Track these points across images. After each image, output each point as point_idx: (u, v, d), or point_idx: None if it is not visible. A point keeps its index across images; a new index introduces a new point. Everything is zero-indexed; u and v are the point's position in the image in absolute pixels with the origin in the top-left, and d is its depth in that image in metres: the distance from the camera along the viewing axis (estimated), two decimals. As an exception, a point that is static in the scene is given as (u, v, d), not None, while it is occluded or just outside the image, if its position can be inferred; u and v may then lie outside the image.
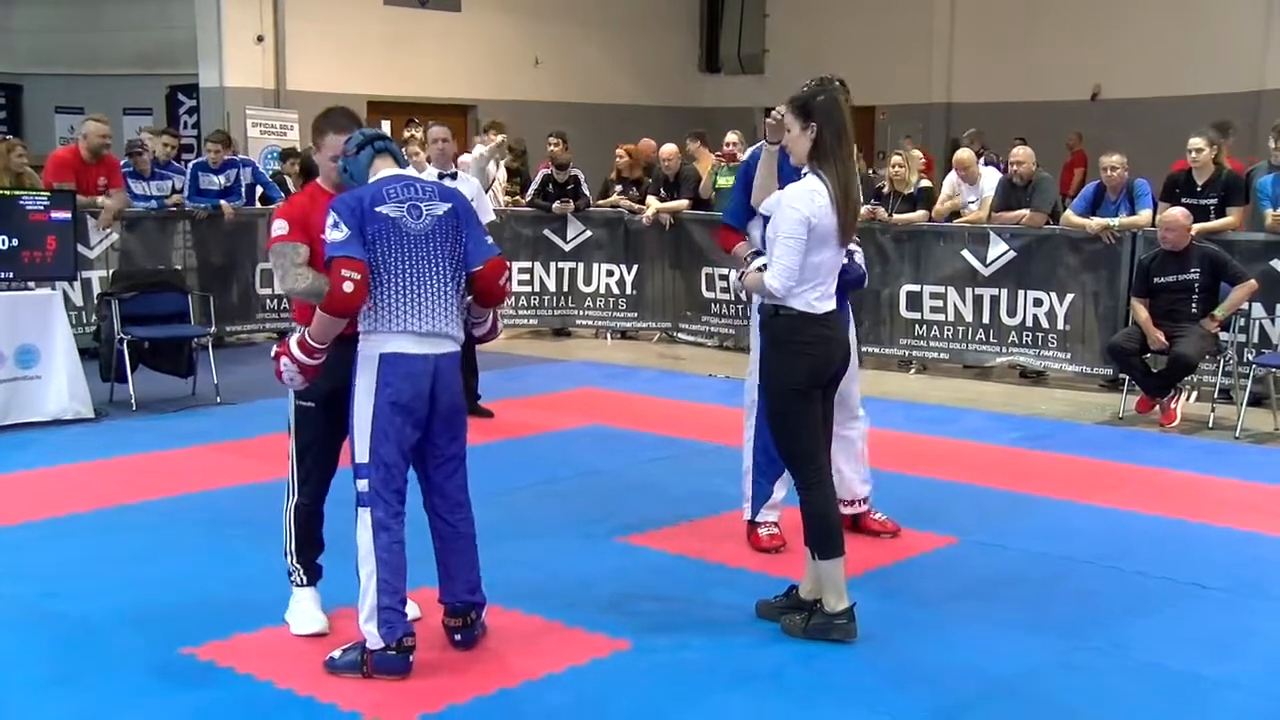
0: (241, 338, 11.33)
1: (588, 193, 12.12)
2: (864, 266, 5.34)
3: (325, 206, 4.16)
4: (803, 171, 4.49)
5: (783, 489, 5.40)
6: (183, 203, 10.94)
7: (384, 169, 4.20)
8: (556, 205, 11.81)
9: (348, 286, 3.95)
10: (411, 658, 4.10)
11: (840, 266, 4.58)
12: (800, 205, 4.35)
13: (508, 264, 4.31)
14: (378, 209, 4.05)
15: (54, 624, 4.62)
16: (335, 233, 4.00)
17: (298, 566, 4.51)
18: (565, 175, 11.95)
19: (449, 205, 4.16)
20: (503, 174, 12.94)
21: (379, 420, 4.08)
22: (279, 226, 4.29)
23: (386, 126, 12.83)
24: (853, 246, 5.03)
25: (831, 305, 4.50)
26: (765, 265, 4.47)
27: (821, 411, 4.53)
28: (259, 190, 11.72)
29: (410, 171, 4.22)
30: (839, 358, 4.56)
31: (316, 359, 4.14)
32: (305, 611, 4.49)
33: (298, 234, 4.24)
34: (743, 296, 10.17)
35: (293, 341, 4.17)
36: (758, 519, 5.51)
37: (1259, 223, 8.89)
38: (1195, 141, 8.99)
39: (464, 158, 12.00)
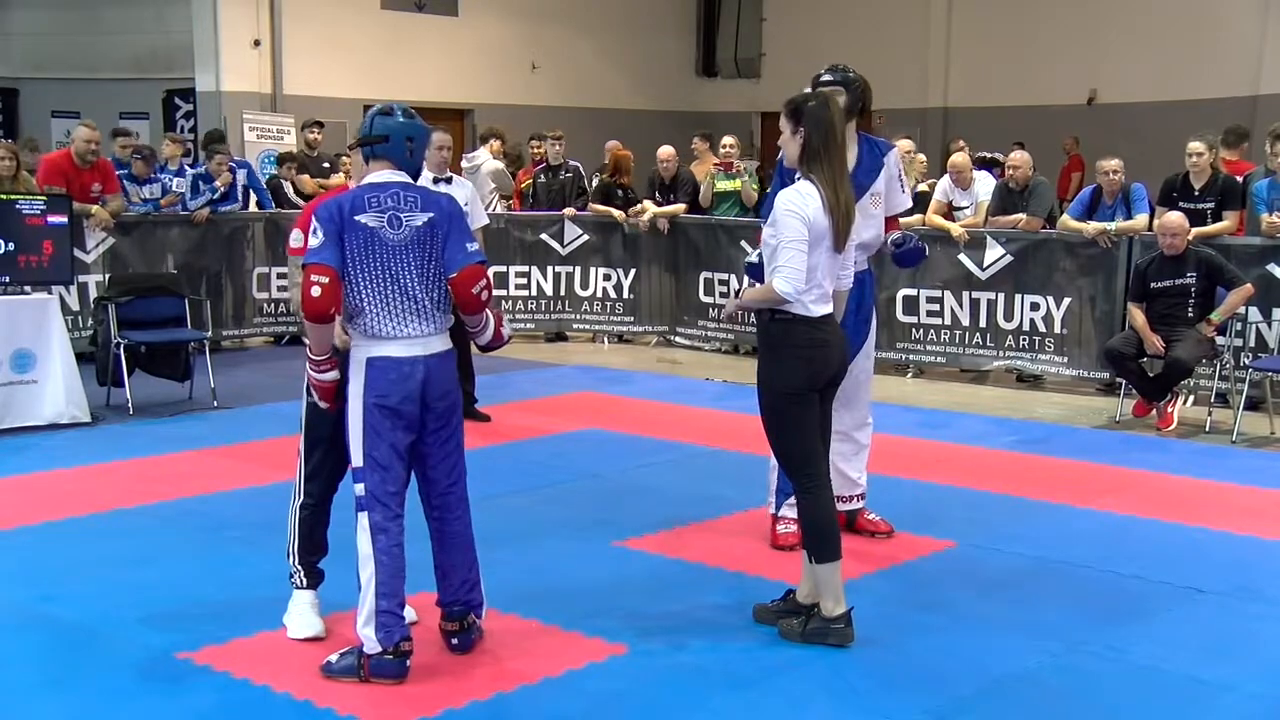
0: (238, 342, 11.32)
1: (588, 187, 12.16)
2: (917, 239, 5.45)
3: None
4: (795, 175, 4.53)
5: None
6: (176, 200, 10.94)
7: (376, 170, 4.18)
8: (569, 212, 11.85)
9: (315, 291, 3.98)
10: (408, 662, 4.10)
11: (836, 271, 4.58)
12: (795, 207, 4.37)
13: (485, 273, 4.26)
14: (357, 218, 4.06)
15: (50, 628, 4.61)
16: (313, 239, 4.06)
17: (299, 568, 4.50)
18: (559, 163, 11.98)
19: (429, 215, 4.14)
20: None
21: (369, 424, 4.10)
22: (294, 238, 4.38)
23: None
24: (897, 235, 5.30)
25: (828, 309, 4.50)
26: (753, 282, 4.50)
27: (819, 415, 4.53)
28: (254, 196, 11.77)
29: (401, 177, 4.20)
30: (836, 362, 4.56)
31: (323, 371, 4.15)
32: (302, 615, 4.48)
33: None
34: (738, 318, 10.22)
35: (308, 366, 4.21)
36: (779, 513, 5.49)
37: (1255, 227, 8.90)
38: (1195, 145, 9.01)
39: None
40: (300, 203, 11.77)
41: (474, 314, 4.30)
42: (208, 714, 3.92)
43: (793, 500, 5.41)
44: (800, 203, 4.37)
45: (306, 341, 4.22)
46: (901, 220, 5.77)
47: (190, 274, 10.52)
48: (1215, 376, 8.63)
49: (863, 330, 5.51)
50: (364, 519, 4.11)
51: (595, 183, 12.30)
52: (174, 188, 11.08)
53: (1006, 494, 6.61)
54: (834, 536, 4.52)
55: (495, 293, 4.51)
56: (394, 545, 4.11)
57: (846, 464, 5.60)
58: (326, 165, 12.66)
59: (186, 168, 11.73)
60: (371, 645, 4.07)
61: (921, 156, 12.18)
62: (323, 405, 4.24)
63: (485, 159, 12.64)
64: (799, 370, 4.45)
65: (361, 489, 4.12)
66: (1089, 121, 17.54)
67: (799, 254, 4.34)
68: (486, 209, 10.36)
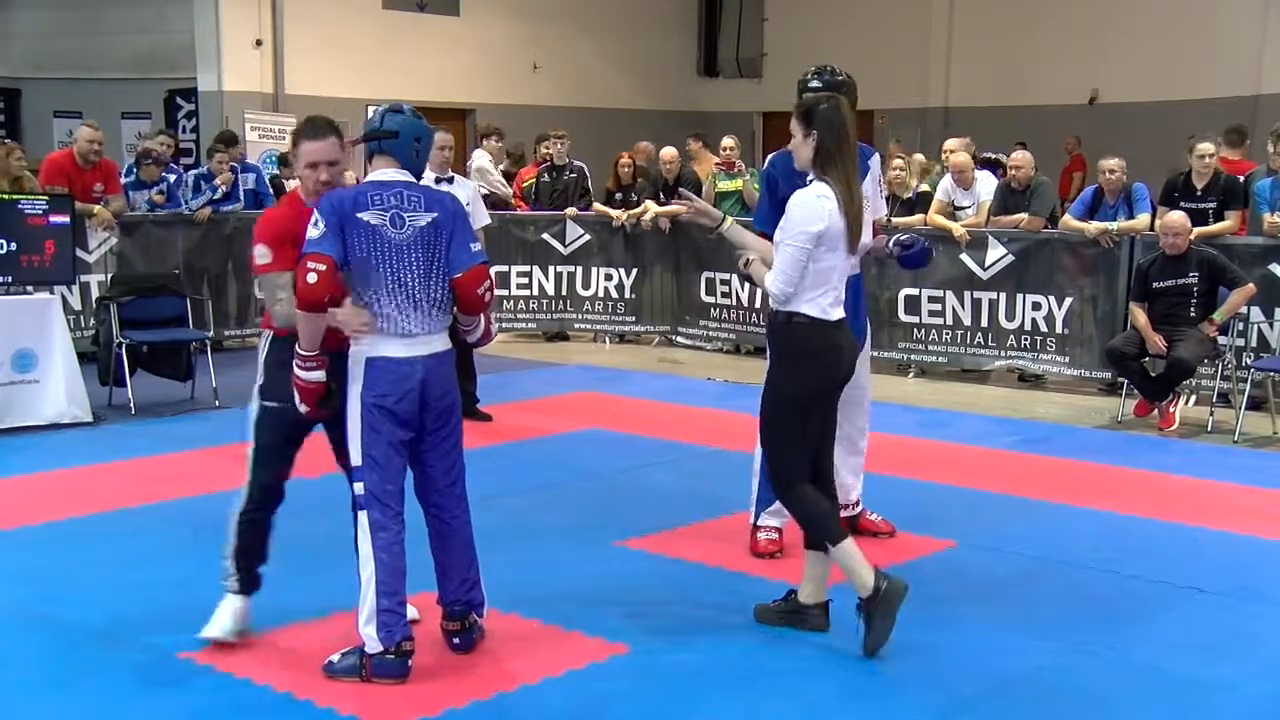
0: (240, 342, 11.32)
1: (590, 188, 12.18)
2: (925, 243, 5.43)
3: (305, 217, 4.14)
4: (808, 178, 4.52)
5: None
6: (164, 200, 10.95)
7: (380, 168, 4.19)
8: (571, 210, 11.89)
9: (311, 278, 3.96)
10: (410, 662, 4.10)
11: (849, 272, 4.58)
12: (809, 212, 4.36)
13: (489, 274, 4.29)
14: (359, 214, 4.05)
15: (51, 627, 4.61)
16: (313, 230, 4.04)
17: (232, 572, 4.42)
18: (564, 163, 12.01)
19: (433, 215, 4.14)
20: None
21: (368, 423, 4.10)
22: (261, 254, 4.22)
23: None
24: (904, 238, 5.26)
25: (843, 312, 4.50)
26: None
27: (821, 421, 4.53)
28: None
29: (404, 176, 4.20)
30: (847, 365, 4.56)
31: (311, 368, 4.09)
32: (219, 615, 4.37)
33: (280, 260, 4.17)
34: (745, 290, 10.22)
35: (294, 363, 4.14)
36: (759, 523, 5.51)
37: (1257, 227, 8.90)
38: (1206, 146, 9.05)
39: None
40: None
41: (475, 314, 4.31)
42: (209, 714, 3.93)
43: (772, 509, 5.42)
44: (816, 205, 4.36)
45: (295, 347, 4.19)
46: (900, 220, 5.78)
47: (192, 274, 10.52)
48: (1217, 376, 8.62)
49: (862, 335, 5.51)
50: (364, 518, 4.12)
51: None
52: (177, 188, 11.11)
53: (1007, 494, 6.61)
54: (833, 518, 4.52)
55: (496, 292, 4.51)
56: (394, 543, 4.11)
57: (849, 472, 5.60)
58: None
59: (181, 168, 11.75)
60: (373, 645, 4.07)
61: (920, 156, 12.18)
62: (303, 409, 4.16)
63: (475, 157, 12.66)
64: (813, 375, 4.44)
65: (361, 487, 4.12)
66: (1090, 121, 17.54)
67: (796, 261, 4.35)
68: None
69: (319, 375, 4.11)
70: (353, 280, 4.09)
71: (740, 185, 11.33)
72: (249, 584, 4.46)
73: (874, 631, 4.33)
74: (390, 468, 4.13)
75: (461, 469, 4.34)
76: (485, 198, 12.26)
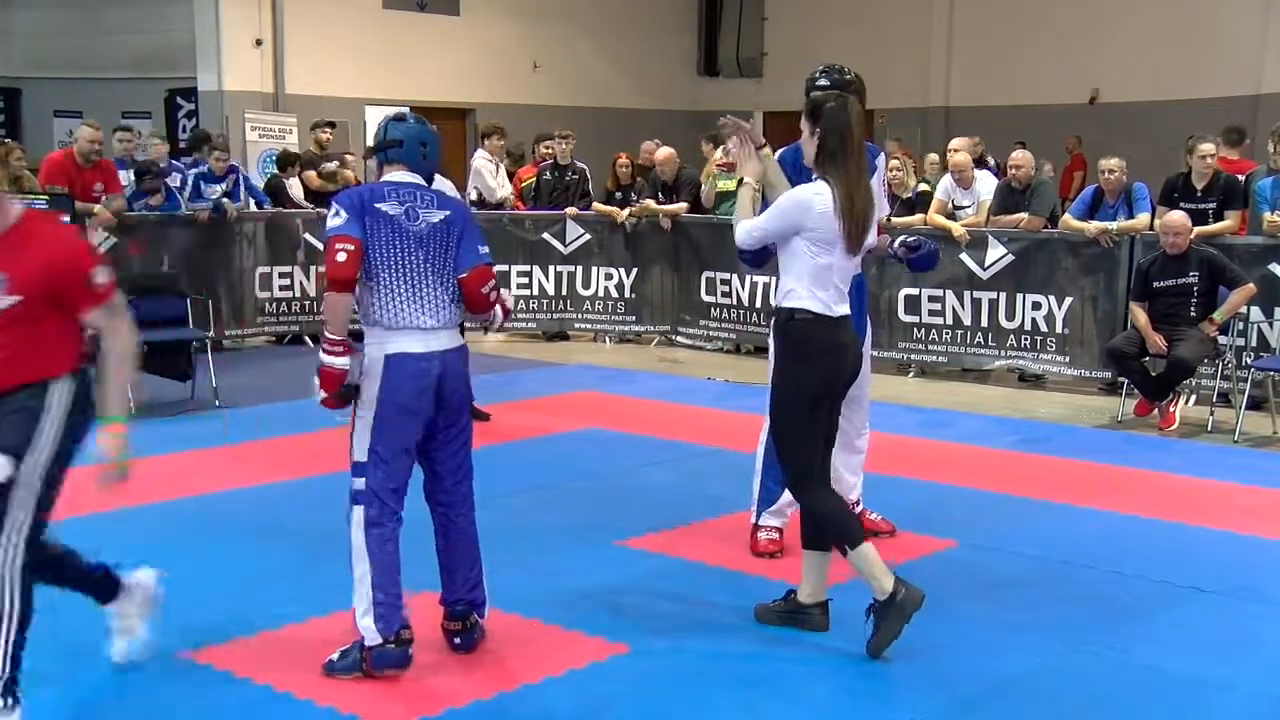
0: (239, 341, 11.32)
1: (591, 191, 12.19)
2: (933, 244, 5.46)
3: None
4: (814, 175, 4.53)
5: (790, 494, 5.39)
6: (163, 202, 10.96)
7: (391, 173, 4.27)
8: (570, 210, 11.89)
9: (340, 256, 4.06)
10: (410, 650, 4.11)
11: (851, 272, 4.59)
12: (799, 203, 4.41)
13: (494, 273, 4.36)
14: (378, 205, 4.15)
15: (51, 628, 4.59)
16: (335, 219, 4.12)
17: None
18: (567, 163, 12.01)
19: (446, 213, 4.23)
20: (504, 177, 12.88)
21: (382, 420, 4.11)
22: None
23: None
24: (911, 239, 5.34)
25: (847, 309, 4.51)
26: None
27: (828, 419, 4.53)
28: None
29: (416, 179, 4.27)
30: (853, 363, 4.56)
31: (338, 352, 4.09)
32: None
33: None
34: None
35: (321, 349, 4.17)
36: (759, 522, 5.51)
37: (1257, 226, 8.90)
38: (1208, 147, 9.06)
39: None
40: (307, 203, 11.76)
41: (480, 312, 4.38)
42: (209, 714, 3.93)
43: (773, 509, 5.42)
44: (805, 203, 4.39)
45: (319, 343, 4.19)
46: (900, 221, 5.77)
47: (192, 273, 10.52)
48: (1217, 376, 8.62)
49: (862, 333, 5.52)
50: (358, 513, 4.12)
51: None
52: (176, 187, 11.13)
53: (1007, 494, 6.61)
54: (853, 520, 4.54)
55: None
56: (388, 540, 4.12)
57: (848, 471, 5.60)
58: (336, 164, 12.68)
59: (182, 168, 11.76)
60: (372, 636, 4.07)
61: (934, 156, 12.17)
62: (320, 395, 4.15)
63: (475, 159, 12.66)
64: (818, 374, 4.44)
65: (362, 483, 4.13)
66: (1091, 121, 17.55)
67: (766, 229, 4.48)
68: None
69: (345, 362, 4.13)
70: (371, 268, 4.12)
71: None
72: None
73: (881, 634, 4.33)
74: (396, 466, 4.15)
75: (470, 468, 4.38)
76: (479, 202, 12.32)
